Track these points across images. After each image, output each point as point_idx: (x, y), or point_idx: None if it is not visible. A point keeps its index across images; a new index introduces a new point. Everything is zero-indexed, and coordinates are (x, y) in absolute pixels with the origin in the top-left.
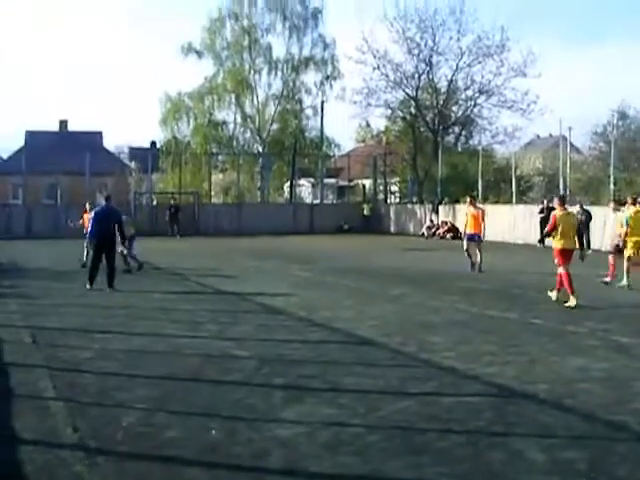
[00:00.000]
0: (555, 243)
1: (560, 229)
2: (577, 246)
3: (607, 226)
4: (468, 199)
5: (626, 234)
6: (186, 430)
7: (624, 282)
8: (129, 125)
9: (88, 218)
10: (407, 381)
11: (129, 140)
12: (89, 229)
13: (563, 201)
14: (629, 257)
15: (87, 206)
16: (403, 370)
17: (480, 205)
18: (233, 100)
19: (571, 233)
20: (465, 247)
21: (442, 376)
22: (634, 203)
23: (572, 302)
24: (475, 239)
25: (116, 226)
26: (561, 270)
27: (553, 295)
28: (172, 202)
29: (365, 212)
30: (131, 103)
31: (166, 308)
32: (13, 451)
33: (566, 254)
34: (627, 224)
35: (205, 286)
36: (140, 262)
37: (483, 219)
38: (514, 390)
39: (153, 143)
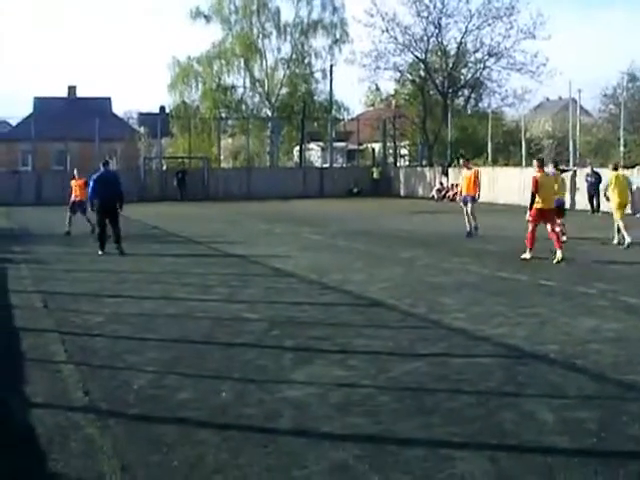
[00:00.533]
0: (535, 204)
1: (542, 192)
2: (554, 206)
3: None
4: (462, 161)
5: (607, 197)
6: (197, 392)
7: (628, 240)
8: (138, 91)
9: (75, 185)
10: (417, 342)
11: (138, 106)
12: (89, 194)
13: (542, 163)
14: (620, 217)
15: (75, 173)
16: (413, 331)
17: (472, 166)
18: (242, 64)
19: (550, 194)
20: (465, 211)
21: (452, 337)
22: (615, 168)
23: (527, 255)
24: (467, 200)
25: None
26: (531, 226)
27: (558, 255)
28: (180, 167)
29: (375, 175)
30: (140, 68)
31: (177, 272)
32: (25, 414)
33: (543, 213)
34: (607, 188)
35: (215, 250)
36: (94, 225)
37: (476, 180)
38: (525, 351)
39: (162, 108)
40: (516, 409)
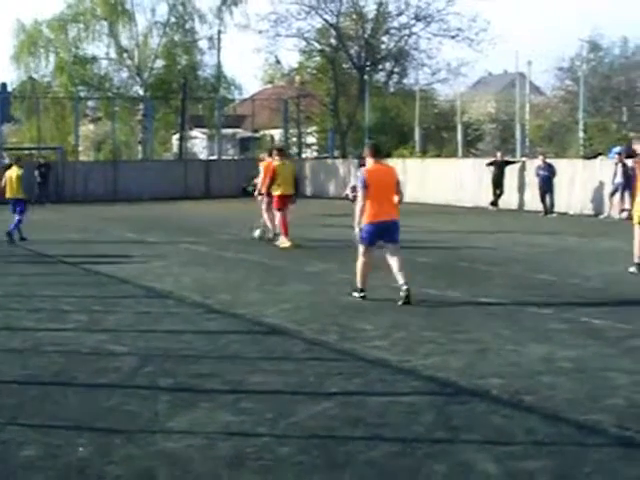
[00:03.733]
0: (274, 191)
1: (280, 179)
2: (293, 191)
3: (576, 183)
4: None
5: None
6: (46, 448)
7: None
8: None
9: None
10: (326, 378)
11: None
12: None
13: (282, 152)
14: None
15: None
16: (321, 364)
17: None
18: (105, 30)
19: (289, 180)
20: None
21: (370, 370)
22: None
23: (286, 244)
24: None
25: None
26: (278, 214)
27: (284, 241)
28: (41, 160)
29: None
30: None
31: (22, 295)
32: None
33: (285, 199)
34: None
35: (72, 266)
36: None
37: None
38: (460, 386)
39: (3, 86)
40: (450, 459)
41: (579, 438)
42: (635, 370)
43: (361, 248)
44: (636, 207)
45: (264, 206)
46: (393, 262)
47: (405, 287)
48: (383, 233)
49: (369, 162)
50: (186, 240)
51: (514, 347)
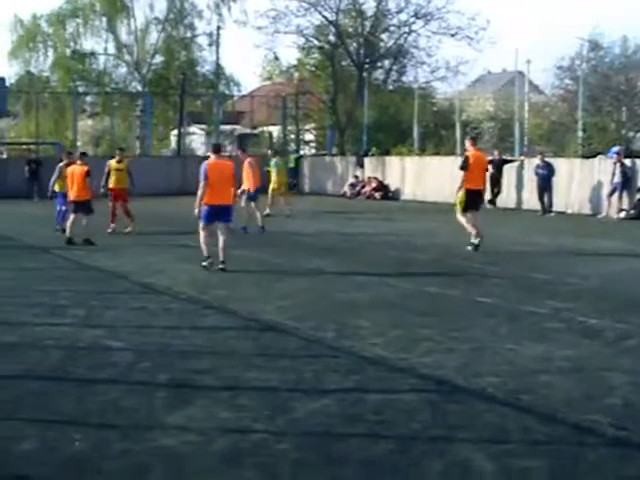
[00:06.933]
0: (110, 184)
1: (114, 177)
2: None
3: (575, 182)
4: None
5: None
6: (43, 442)
7: (267, 211)
8: None
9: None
10: (324, 375)
11: None
12: None
13: (121, 150)
14: (274, 190)
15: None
16: (319, 361)
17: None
18: (104, 25)
19: (125, 177)
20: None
21: (368, 368)
22: (275, 155)
23: (130, 228)
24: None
25: None
26: (112, 204)
27: (111, 229)
28: (32, 155)
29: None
30: None
31: (19, 289)
32: None
33: (119, 192)
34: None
35: (70, 261)
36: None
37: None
38: (457, 384)
39: (1, 80)
40: (447, 457)
41: (575, 438)
42: (632, 370)
43: (201, 224)
44: (458, 199)
45: (243, 202)
46: (220, 239)
47: (222, 264)
48: (218, 214)
49: (212, 157)
50: (183, 236)
51: (511, 346)
